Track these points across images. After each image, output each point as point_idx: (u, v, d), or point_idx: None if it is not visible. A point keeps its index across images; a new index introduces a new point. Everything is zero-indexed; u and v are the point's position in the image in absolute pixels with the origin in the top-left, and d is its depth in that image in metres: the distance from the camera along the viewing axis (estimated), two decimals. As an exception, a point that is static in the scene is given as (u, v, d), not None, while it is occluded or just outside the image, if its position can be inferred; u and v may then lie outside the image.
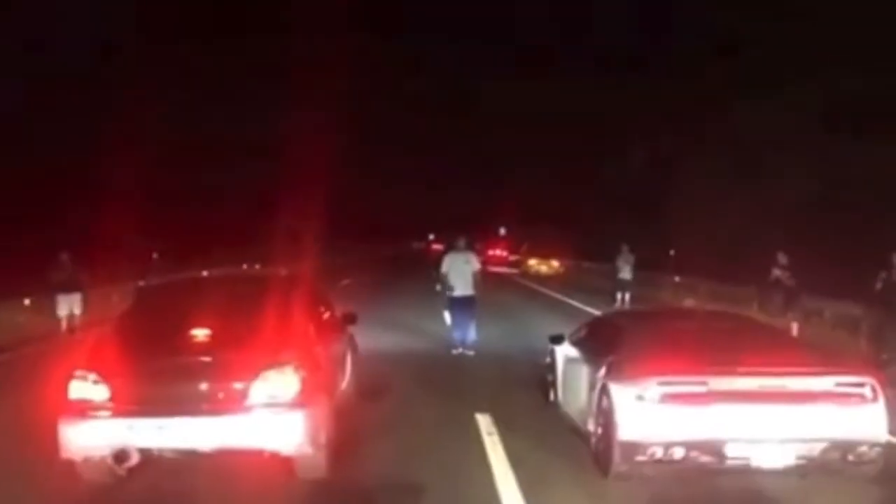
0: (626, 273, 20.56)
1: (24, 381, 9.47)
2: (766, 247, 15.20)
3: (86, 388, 5.47)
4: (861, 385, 5.53)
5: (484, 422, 7.54)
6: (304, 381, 5.58)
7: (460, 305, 11.58)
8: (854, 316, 14.50)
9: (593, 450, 6.10)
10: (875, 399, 5.48)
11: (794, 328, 13.35)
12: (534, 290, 27.06)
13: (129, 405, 5.42)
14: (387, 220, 64.61)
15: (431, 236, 60.68)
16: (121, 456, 5.43)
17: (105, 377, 5.47)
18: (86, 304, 14.47)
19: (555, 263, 36.82)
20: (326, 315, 7.61)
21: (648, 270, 24.77)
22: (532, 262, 37.45)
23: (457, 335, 11.74)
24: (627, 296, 20.53)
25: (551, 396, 7.92)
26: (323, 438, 5.76)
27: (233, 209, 41.46)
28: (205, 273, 18.68)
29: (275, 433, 5.46)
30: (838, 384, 5.49)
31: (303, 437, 5.51)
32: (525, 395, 8.84)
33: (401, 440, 7.06)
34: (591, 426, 6.18)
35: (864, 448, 5.41)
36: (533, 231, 42.92)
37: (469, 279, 11.48)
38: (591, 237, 36.04)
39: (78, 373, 5.52)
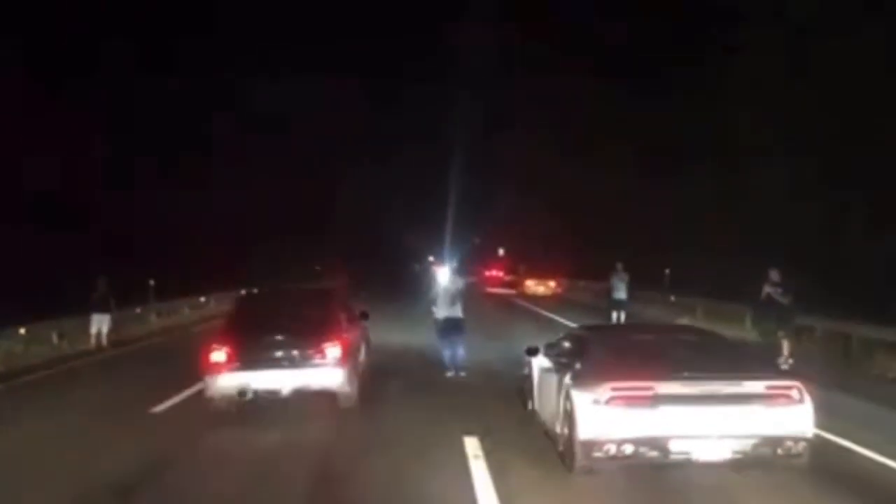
0: (621, 292, 20.16)
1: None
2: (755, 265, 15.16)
3: (219, 355, 9.18)
4: (789, 388, 6.32)
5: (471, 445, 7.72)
6: (342, 352, 9.41)
7: (448, 327, 11.96)
8: (845, 333, 14.65)
9: (561, 449, 6.82)
10: (801, 400, 6.25)
11: (785, 346, 13.36)
12: (530, 312, 27.10)
13: (245, 364, 9.14)
14: (388, 240, 64.44)
15: (431, 258, 61.03)
16: (241, 393, 9.18)
17: (229, 348, 9.22)
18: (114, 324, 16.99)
19: (552, 284, 37.20)
20: (351, 314, 11.34)
21: (644, 289, 24.80)
22: (530, 282, 37.74)
23: (447, 356, 12.02)
24: (623, 315, 20.46)
25: (529, 406, 8.66)
26: (353, 383, 9.72)
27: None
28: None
29: (328, 378, 9.33)
30: (768, 388, 6.27)
31: (343, 380, 9.42)
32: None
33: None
34: (558, 428, 6.91)
35: (790, 443, 6.16)
36: (530, 251, 43.21)
37: (456, 301, 11.99)
38: (586, 256, 36.16)
39: (214, 346, 9.27)
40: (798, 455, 6.23)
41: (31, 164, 31.29)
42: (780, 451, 6.18)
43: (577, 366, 6.98)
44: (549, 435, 7.39)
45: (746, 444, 6.12)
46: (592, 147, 39.46)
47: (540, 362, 8.34)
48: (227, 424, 9.00)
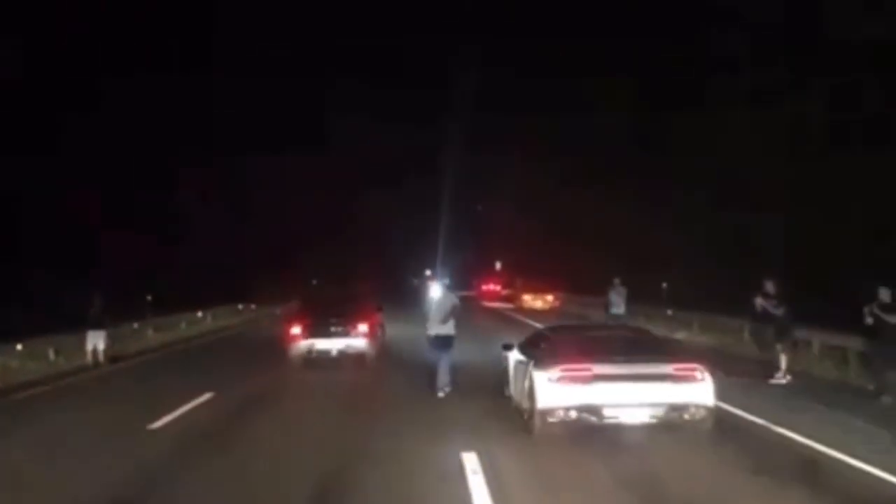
0: (619, 307, 19.84)
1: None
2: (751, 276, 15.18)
3: (296, 330, 15.03)
4: (693, 370, 8.32)
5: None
6: (369, 329, 15.17)
7: (438, 345, 11.79)
8: (842, 346, 14.62)
9: (526, 418, 8.83)
10: (703, 379, 8.26)
11: (783, 360, 13.30)
12: (526, 326, 27.02)
13: (310, 335, 14.91)
14: (388, 253, 66.71)
15: (428, 272, 61.13)
16: (308, 352, 15.05)
17: (301, 325, 15.02)
18: (110, 339, 17.24)
19: (549, 298, 37.09)
20: (375, 306, 17.35)
21: (641, 304, 24.81)
22: (527, 297, 37.61)
23: (435, 369, 11.81)
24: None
25: (506, 391, 10.53)
26: (374, 349, 15.51)
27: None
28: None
29: (359, 345, 14.98)
30: (676, 369, 8.29)
31: (368, 347, 15.14)
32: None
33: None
34: (525, 404, 8.93)
35: (694, 409, 8.15)
36: (528, 266, 43.17)
37: (448, 318, 11.75)
38: (584, 271, 36.18)
39: (293, 325, 15.30)
40: (702, 420, 8.24)
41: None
42: (686, 416, 8.17)
43: (538, 355, 9.06)
44: (518, 409, 9.39)
45: (660, 411, 8.09)
46: (591, 173, 39.17)
47: (514, 355, 10.23)
48: (222, 442, 8.97)
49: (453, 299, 12.09)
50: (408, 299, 32.81)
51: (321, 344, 14.84)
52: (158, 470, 7.63)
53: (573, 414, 8.06)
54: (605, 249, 34.46)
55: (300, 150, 53.96)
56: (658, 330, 23.63)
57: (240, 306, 34.37)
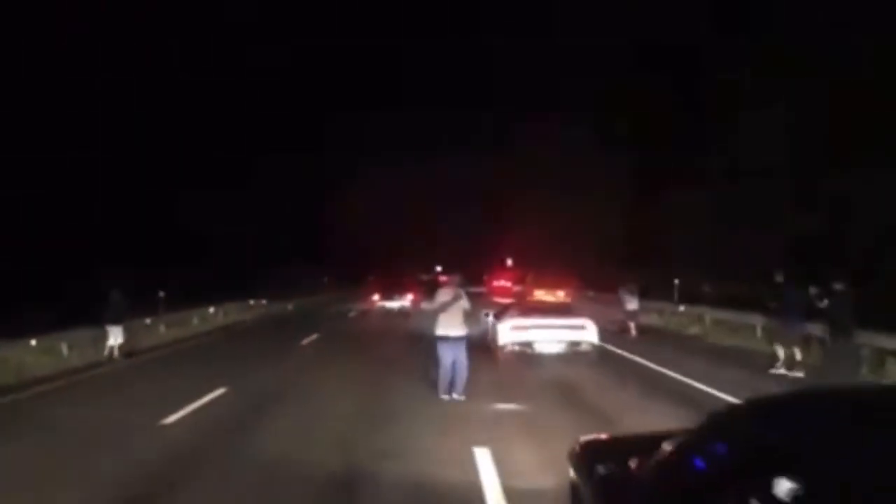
0: (632, 304, 21.02)
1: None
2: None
3: (375, 297, 31.87)
4: (584, 324, 14.29)
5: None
6: (413, 297, 31.62)
7: (450, 347, 11.04)
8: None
9: (492, 349, 14.79)
10: (590, 328, 14.19)
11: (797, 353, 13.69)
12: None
13: (382, 298, 31.29)
14: (397, 252, 66.69)
15: (438, 268, 60.90)
16: (381, 307, 31.04)
17: (378, 294, 31.83)
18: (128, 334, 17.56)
19: (561, 294, 36.66)
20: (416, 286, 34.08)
21: (653, 300, 24.74)
22: (538, 292, 37.29)
23: (443, 378, 11.08)
24: (632, 325, 20.62)
25: (490, 342, 15.29)
26: (414, 308, 29.39)
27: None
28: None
29: (405, 304, 31.12)
30: (574, 323, 14.34)
31: (412, 305, 30.40)
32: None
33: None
34: (493, 344, 14.74)
35: (584, 345, 14.03)
36: (538, 261, 42.96)
37: (460, 318, 11.09)
38: (595, 267, 36.01)
39: (373, 293, 32.37)
40: (588, 352, 14.16)
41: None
42: (580, 349, 14.11)
43: (500, 316, 15.49)
44: (491, 347, 15.09)
45: (565, 346, 14.08)
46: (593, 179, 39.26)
47: (490, 318, 16.36)
48: (234, 429, 8.93)
49: (465, 303, 11.31)
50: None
51: (388, 304, 30.92)
52: (170, 464, 7.66)
53: (517, 347, 14.22)
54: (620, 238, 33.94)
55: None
56: (671, 327, 23.68)
57: (251, 302, 34.46)
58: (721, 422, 2.99)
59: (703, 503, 2.64)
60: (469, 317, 11.40)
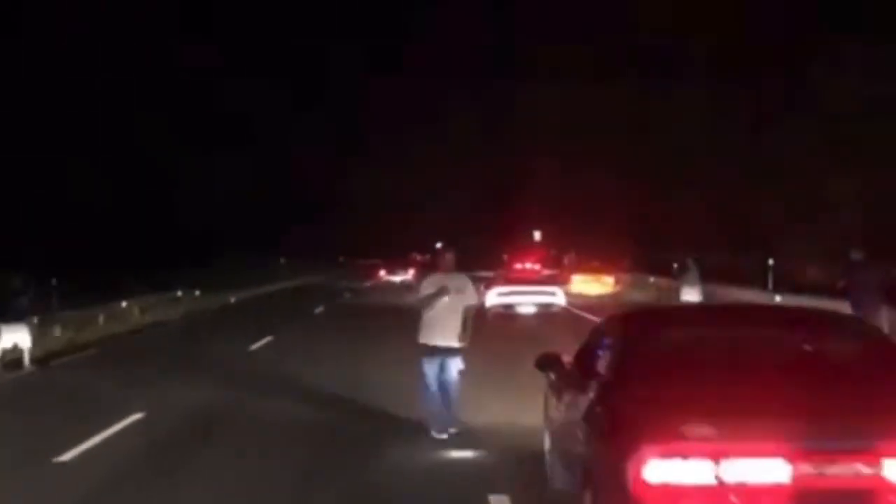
0: (691, 294, 19.12)
1: None
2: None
3: (380, 272, 57.81)
4: (554, 291, 26.28)
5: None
6: (415, 271, 51.48)
7: (436, 363, 8.68)
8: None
9: (482, 310, 19.11)
10: (557, 294, 26.10)
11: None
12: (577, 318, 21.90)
13: (388, 274, 56.07)
14: (397, 229, 71.25)
15: (439, 245, 54.54)
16: (387, 280, 55.45)
17: (384, 270, 56.81)
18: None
19: (609, 279, 28.75)
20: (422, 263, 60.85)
21: (729, 285, 21.93)
22: (577, 277, 29.56)
23: (431, 407, 8.78)
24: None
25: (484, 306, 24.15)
26: (415, 281, 39.73)
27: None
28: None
29: (408, 278, 51.46)
30: (547, 290, 26.38)
31: (413, 278, 48.50)
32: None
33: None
34: (483, 305, 23.48)
35: (553, 307, 25.49)
36: (580, 236, 34.61)
37: (457, 320, 8.58)
38: (657, 240, 28.20)
39: (377, 269, 58.74)
40: (557, 312, 24.75)
41: None
42: (551, 310, 24.93)
43: (489, 285, 26.85)
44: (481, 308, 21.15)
45: (537, 308, 25.12)
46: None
47: (481, 287, 23.71)
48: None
49: (470, 297, 8.71)
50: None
51: (394, 277, 52.30)
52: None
53: (500, 308, 24.90)
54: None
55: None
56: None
57: (179, 293, 27.81)
58: (601, 328, 6.01)
59: (593, 367, 5.21)
60: (471, 317, 8.87)
